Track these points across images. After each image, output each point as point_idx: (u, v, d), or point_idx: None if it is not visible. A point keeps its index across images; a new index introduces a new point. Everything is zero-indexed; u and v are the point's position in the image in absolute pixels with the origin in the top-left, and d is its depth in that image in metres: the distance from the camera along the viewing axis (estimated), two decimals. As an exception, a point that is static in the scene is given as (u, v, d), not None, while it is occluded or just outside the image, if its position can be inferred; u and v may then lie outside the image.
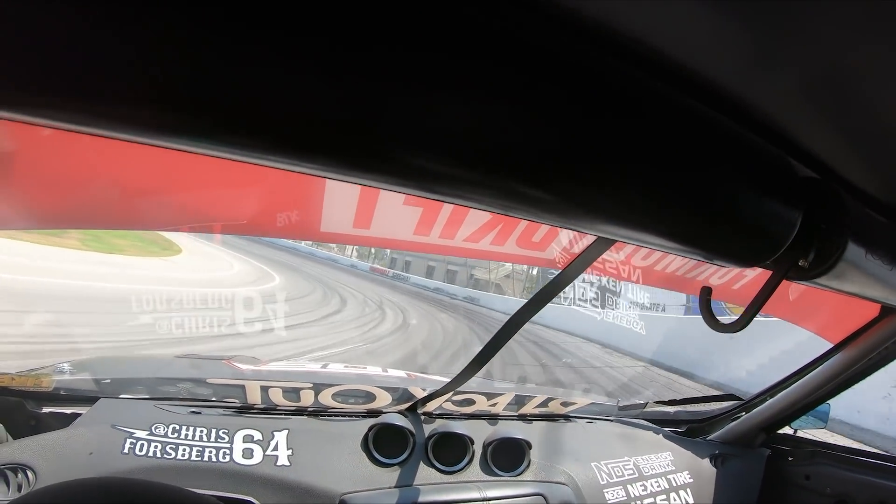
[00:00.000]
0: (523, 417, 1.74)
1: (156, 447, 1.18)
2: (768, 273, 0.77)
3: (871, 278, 0.77)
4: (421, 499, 1.36)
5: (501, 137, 0.44)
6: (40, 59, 0.32)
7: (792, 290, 1.49)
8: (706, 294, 0.91)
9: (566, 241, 1.23)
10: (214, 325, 7.92)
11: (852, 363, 1.55)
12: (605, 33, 0.47)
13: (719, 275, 1.39)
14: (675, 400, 2.04)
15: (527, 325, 1.25)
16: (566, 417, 1.81)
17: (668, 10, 0.44)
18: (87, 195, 0.96)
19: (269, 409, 1.46)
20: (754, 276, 1.42)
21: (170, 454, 1.18)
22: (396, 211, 1.11)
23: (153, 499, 0.73)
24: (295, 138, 0.39)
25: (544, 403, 1.75)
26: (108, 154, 0.86)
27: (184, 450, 1.20)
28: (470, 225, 1.15)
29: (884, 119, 0.57)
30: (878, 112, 0.56)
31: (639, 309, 13.71)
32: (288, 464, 1.29)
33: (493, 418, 1.70)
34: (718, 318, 0.90)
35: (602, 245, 1.10)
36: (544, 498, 1.46)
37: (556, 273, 1.20)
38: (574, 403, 1.80)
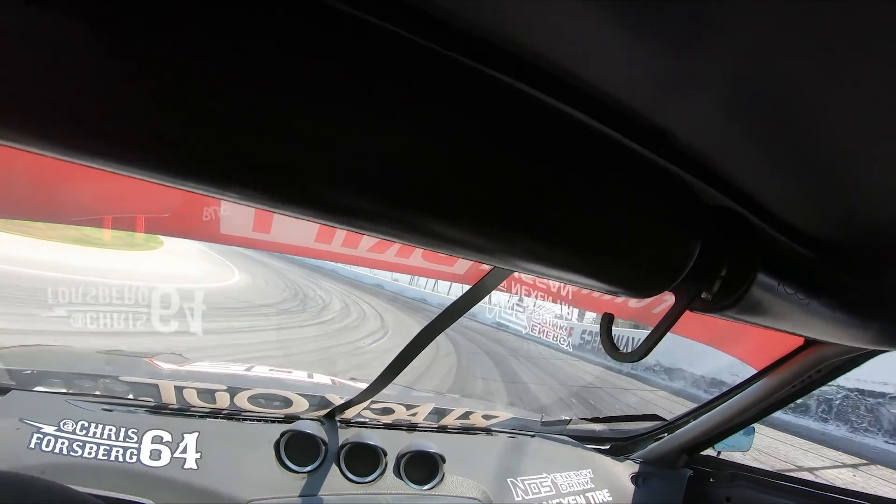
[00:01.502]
0: (442, 429, 1.72)
1: (62, 444, 1.14)
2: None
3: (785, 312, 0.73)
4: None
5: (383, 162, 0.41)
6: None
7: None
8: (607, 321, 0.87)
9: (474, 257, 1.20)
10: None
11: (776, 390, 1.56)
12: (497, 47, 0.43)
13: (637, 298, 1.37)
14: (598, 418, 2.04)
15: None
16: (487, 431, 1.79)
17: (573, 28, 0.40)
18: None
19: (183, 410, 1.42)
20: (672, 301, 1.40)
21: (76, 451, 1.14)
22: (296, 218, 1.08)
23: (42, 497, 0.72)
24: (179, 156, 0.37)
25: (465, 416, 1.72)
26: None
27: (91, 448, 1.16)
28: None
29: (802, 143, 0.53)
30: (795, 135, 0.51)
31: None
32: (195, 467, 1.25)
33: (411, 429, 1.67)
34: (619, 347, 0.87)
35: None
36: None
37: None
38: (496, 417, 1.78)
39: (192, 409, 1.42)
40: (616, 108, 0.49)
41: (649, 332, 0.79)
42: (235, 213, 1.08)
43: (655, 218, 0.57)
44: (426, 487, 1.48)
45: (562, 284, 1.39)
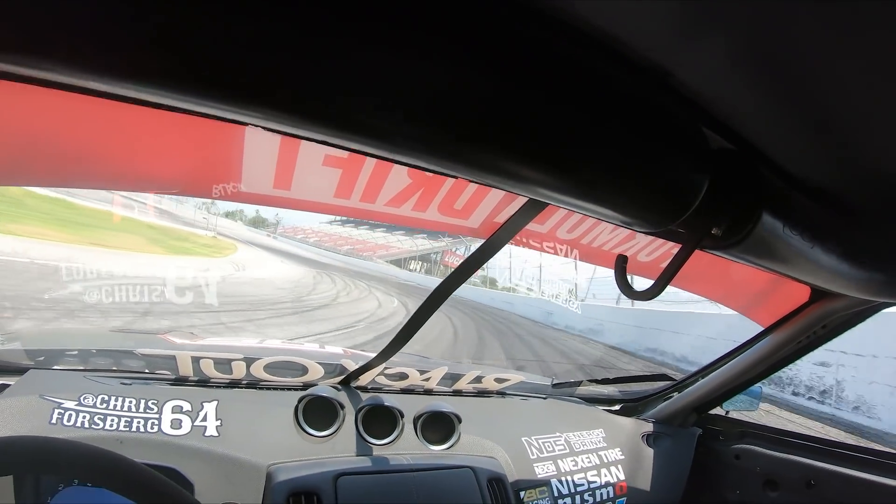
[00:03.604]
0: (456, 393, 1.75)
1: (84, 417, 1.15)
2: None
3: (791, 254, 0.77)
4: (349, 468, 1.36)
5: (434, 97, 0.47)
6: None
7: (723, 272, 1.51)
8: (622, 262, 0.92)
9: (489, 209, 1.22)
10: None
11: (782, 346, 1.59)
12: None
13: (646, 252, 1.40)
14: (608, 379, 2.07)
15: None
16: (499, 394, 1.82)
17: None
18: (9, 149, 0.93)
19: (201, 381, 1.44)
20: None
21: (98, 424, 1.16)
22: (316, 171, 1.09)
23: (72, 454, 0.74)
24: (251, 89, 0.42)
25: (477, 379, 1.75)
26: (32, 107, 0.83)
27: (112, 420, 1.18)
28: (391, 189, 1.13)
29: (811, 94, 0.55)
30: (804, 86, 0.54)
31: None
32: (216, 434, 1.28)
33: (425, 393, 1.70)
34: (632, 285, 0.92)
35: (525, 214, 1.10)
36: (472, 471, 1.47)
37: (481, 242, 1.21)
38: (507, 380, 1.81)
39: (210, 380, 1.45)
40: (628, 52, 0.53)
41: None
42: (255, 170, 1.10)
43: (664, 155, 0.62)
44: (444, 447, 1.51)
45: (569, 245, 1.41)
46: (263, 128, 0.50)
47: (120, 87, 0.41)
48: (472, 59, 0.46)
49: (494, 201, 1.21)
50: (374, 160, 1.07)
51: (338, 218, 49.51)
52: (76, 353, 1.45)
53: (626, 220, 0.71)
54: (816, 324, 1.48)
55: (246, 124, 0.51)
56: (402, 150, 0.53)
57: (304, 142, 0.92)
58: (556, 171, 0.58)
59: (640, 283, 1.10)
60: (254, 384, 1.50)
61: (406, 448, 1.49)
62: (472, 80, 0.47)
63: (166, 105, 0.45)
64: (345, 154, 1.06)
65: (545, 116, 0.52)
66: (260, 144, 1.03)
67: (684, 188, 0.65)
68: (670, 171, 0.63)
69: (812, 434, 1.83)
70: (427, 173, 1.11)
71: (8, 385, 1.21)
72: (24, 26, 0.35)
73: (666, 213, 0.67)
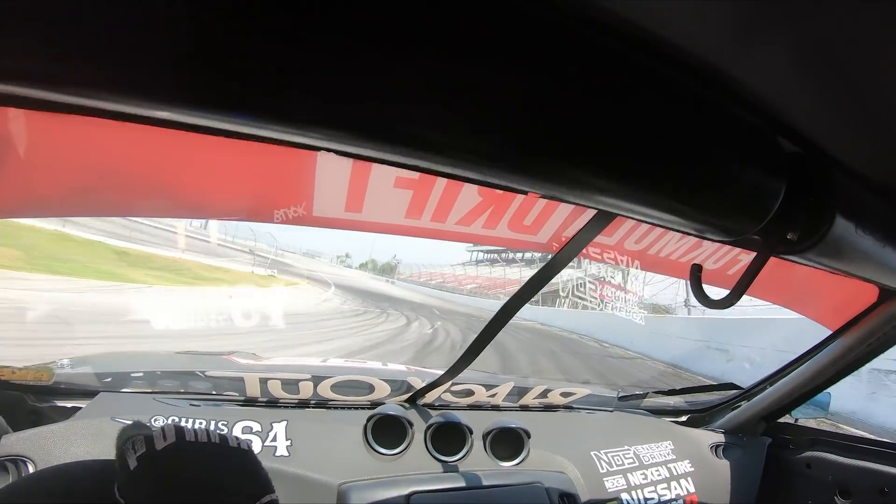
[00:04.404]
0: (523, 408, 1.74)
1: None
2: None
3: (863, 255, 0.77)
4: (420, 487, 1.36)
5: (504, 111, 0.46)
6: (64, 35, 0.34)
7: (789, 276, 1.48)
8: (696, 271, 0.91)
9: (557, 224, 1.23)
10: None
11: (851, 349, 1.55)
12: (588, 10, 0.47)
13: (713, 259, 1.38)
14: (674, 390, 2.03)
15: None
16: (566, 408, 1.81)
17: None
18: (80, 182, 0.96)
19: (269, 402, 1.46)
20: (748, 262, 1.41)
21: None
22: (387, 193, 1.11)
23: None
24: (319, 113, 0.42)
25: (543, 394, 1.75)
26: (101, 140, 0.86)
27: None
28: (461, 208, 1.14)
29: (875, 94, 0.56)
30: (869, 87, 0.55)
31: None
32: (287, 454, 1.29)
33: (492, 409, 1.69)
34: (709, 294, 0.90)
35: (594, 227, 1.10)
36: (544, 486, 1.46)
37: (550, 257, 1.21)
38: (573, 394, 1.80)
39: (279, 400, 1.46)
40: (691, 60, 0.54)
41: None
42: (327, 194, 1.12)
43: (745, 164, 0.62)
44: (513, 463, 1.51)
45: (635, 256, 1.40)
46: (323, 149, 0.51)
47: (178, 114, 0.42)
48: (537, 71, 0.46)
49: (563, 216, 1.21)
50: (445, 180, 1.09)
51: (472, 259, 49.22)
52: (144, 375, 1.47)
53: (703, 229, 0.71)
54: (887, 324, 1.44)
55: (306, 147, 0.51)
56: (469, 165, 0.51)
57: (375, 164, 0.94)
58: (636, 183, 0.57)
59: (710, 291, 1.09)
60: (322, 404, 1.51)
61: (476, 465, 1.48)
62: (541, 91, 0.47)
63: (227, 131, 0.45)
64: (416, 175, 1.08)
65: (619, 127, 0.51)
66: (332, 168, 1.05)
67: (763, 195, 0.65)
68: (749, 179, 0.63)
69: (884, 440, 1.76)
70: (497, 191, 1.12)
71: (80, 408, 1.24)
72: (69, 58, 0.36)
73: (745, 220, 0.68)
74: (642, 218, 0.68)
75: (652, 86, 0.53)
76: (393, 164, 0.53)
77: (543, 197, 0.87)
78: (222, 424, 1.28)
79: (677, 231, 0.84)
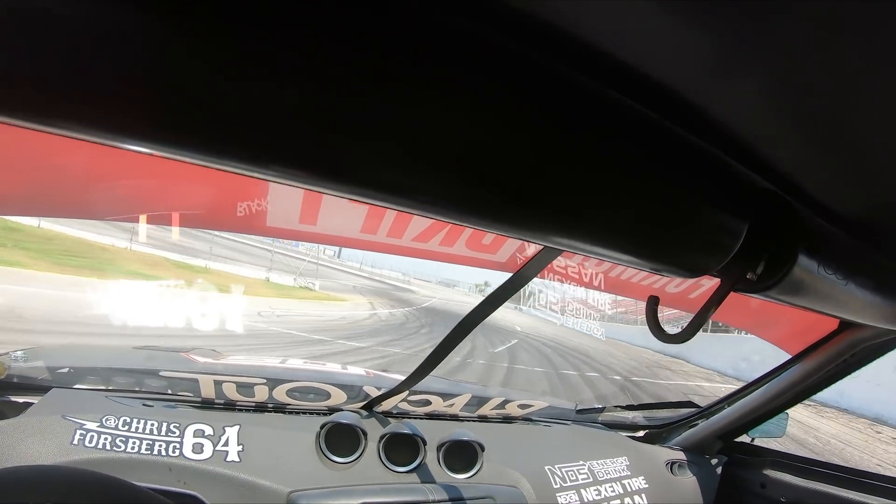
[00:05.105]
0: (481, 418, 1.73)
1: (106, 439, 1.15)
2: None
3: (824, 293, 0.75)
4: (369, 499, 1.34)
5: (454, 144, 0.43)
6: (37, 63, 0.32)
7: (750, 301, 1.49)
8: (653, 303, 0.89)
9: (517, 244, 1.21)
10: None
11: (810, 374, 1.56)
12: (557, 38, 0.45)
13: (675, 283, 1.38)
14: (633, 405, 2.05)
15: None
16: (524, 419, 1.81)
17: (622, 16, 0.41)
18: (38, 182, 0.93)
19: (226, 405, 1.44)
20: (711, 286, 1.41)
21: (119, 447, 1.15)
22: (343, 208, 1.09)
23: (96, 490, 0.71)
24: (263, 146, 0.39)
25: (501, 405, 1.74)
26: (61, 141, 0.83)
27: (133, 443, 1.17)
28: (418, 225, 1.13)
29: (843, 130, 0.54)
30: (836, 122, 0.53)
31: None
32: (238, 460, 1.27)
33: (450, 419, 1.69)
34: (664, 328, 0.89)
35: (553, 250, 1.09)
36: (494, 501, 1.45)
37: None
38: (532, 406, 1.79)
39: (233, 403, 1.44)
40: (667, 95, 0.51)
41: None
42: (281, 205, 1.09)
43: (706, 202, 0.59)
44: (466, 476, 1.50)
45: (594, 273, 1.40)
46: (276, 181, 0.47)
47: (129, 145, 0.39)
48: (486, 108, 0.43)
49: None
50: None
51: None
52: (99, 371, 1.44)
53: (661, 269, 0.68)
54: (846, 352, 1.45)
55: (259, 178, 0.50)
56: (417, 204, 0.48)
57: None
58: (590, 224, 0.54)
59: (670, 314, 1.08)
60: (279, 408, 1.49)
61: (427, 476, 1.47)
62: (492, 130, 0.44)
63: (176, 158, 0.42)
64: None
65: (573, 164, 0.48)
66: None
67: (725, 233, 0.63)
68: (711, 217, 0.61)
69: (837, 464, 1.78)
70: None
71: (31, 403, 1.20)
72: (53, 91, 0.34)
73: (706, 260, 0.65)
74: (597, 257, 0.65)
75: (612, 120, 0.50)
76: (339, 196, 0.49)
77: (498, 235, 0.85)
78: (174, 426, 1.25)
79: (634, 268, 0.82)
